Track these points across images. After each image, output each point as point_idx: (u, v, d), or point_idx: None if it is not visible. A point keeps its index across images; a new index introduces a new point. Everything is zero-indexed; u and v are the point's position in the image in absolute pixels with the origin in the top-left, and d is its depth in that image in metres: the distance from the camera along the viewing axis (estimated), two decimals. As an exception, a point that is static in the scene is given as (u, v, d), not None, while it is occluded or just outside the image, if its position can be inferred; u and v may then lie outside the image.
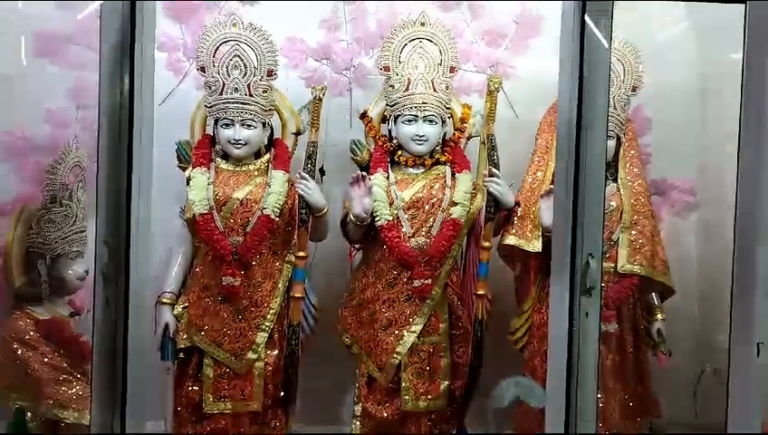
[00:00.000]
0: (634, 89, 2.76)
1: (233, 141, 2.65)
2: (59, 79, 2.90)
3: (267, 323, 2.65)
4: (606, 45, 2.05)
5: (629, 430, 2.77)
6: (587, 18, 2.06)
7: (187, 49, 3.02)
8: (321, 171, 2.86)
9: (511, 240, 2.75)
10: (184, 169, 2.74)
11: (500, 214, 2.73)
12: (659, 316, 2.80)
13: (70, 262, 2.59)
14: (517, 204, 2.76)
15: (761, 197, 2.01)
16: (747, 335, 2.01)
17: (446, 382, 2.72)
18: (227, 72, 2.61)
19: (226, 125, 2.64)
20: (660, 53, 2.97)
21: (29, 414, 2.50)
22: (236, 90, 2.60)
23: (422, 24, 2.73)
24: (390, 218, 2.66)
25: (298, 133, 2.81)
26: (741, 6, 2.06)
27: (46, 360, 2.51)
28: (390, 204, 2.68)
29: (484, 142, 2.79)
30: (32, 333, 2.53)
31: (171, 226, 2.74)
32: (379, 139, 2.79)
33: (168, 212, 2.71)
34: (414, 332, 2.67)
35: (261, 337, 2.65)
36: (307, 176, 2.64)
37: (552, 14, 2.75)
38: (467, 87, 3.08)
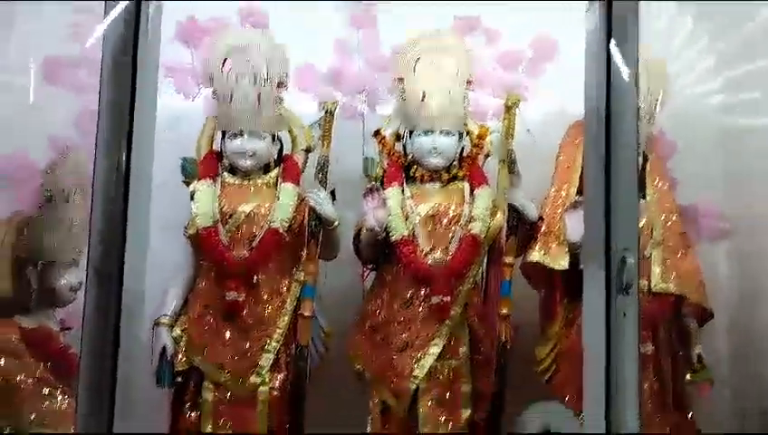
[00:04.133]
0: (660, 103, 2.65)
1: (241, 152, 2.53)
2: (65, 104, 2.81)
3: (274, 344, 2.45)
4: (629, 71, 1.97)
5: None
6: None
7: (196, 74, 2.95)
8: (332, 195, 2.73)
9: (535, 256, 2.57)
10: (188, 185, 2.61)
11: (523, 227, 2.57)
12: (698, 341, 2.59)
13: (63, 271, 2.41)
14: (541, 218, 2.60)
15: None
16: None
17: (469, 411, 2.48)
18: (236, 80, 2.51)
19: (234, 135, 2.53)
20: (683, 72, 2.89)
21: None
22: (246, 99, 2.50)
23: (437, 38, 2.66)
24: (406, 233, 2.50)
25: (308, 150, 2.69)
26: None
27: (29, 371, 2.30)
28: (406, 218, 2.53)
29: (503, 160, 2.65)
30: (15, 342, 2.32)
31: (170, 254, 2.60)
32: (394, 154, 2.66)
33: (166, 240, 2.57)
34: (432, 354, 2.46)
35: (266, 359, 2.44)
36: (318, 186, 2.51)
37: (567, 39, 2.75)
38: (483, 113, 2.98)
